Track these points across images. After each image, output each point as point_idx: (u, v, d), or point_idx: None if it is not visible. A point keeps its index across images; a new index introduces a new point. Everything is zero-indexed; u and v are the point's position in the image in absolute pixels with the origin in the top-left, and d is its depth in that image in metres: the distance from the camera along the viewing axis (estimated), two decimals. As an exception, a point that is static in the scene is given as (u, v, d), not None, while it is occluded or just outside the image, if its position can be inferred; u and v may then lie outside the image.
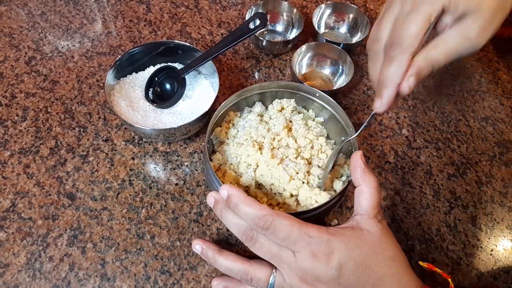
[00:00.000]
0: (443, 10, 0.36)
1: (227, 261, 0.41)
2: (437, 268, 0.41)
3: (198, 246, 0.43)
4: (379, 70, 0.38)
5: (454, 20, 0.36)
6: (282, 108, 0.52)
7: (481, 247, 0.51)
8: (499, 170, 0.57)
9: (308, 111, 0.53)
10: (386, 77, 0.37)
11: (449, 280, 0.39)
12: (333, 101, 0.49)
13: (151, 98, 0.55)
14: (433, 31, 0.38)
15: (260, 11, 0.65)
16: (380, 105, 0.38)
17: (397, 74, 0.37)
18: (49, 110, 0.57)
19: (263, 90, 0.52)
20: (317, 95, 0.50)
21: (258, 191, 0.45)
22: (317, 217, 0.42)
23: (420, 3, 0.36)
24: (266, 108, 0.53)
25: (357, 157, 0.40)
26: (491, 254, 0.50)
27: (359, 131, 0.43)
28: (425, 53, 0.36)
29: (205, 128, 0.56)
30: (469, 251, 0.50)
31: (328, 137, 0.52)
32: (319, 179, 0.45)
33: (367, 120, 0.42)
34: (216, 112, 0.48)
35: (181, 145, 0.55)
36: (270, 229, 0.35)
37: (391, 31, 0.37)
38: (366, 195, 0.39)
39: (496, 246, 0.51)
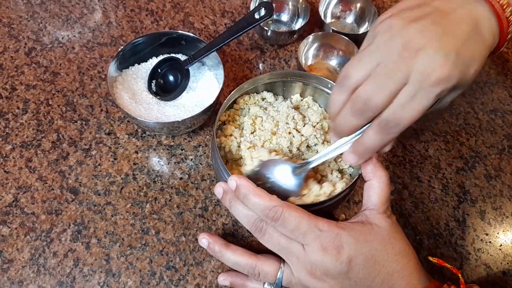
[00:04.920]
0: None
1: (234, 256, 0.40)
2: (446, 263, 0.40)
3: (204, 240, 0.42)
4: (340, 105, 0.36)
5: None
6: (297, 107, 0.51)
7: (490, 242, 0.50)
8: (508, 163, 0.56)
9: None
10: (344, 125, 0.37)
11: (459, 275, 0.38)
12: None
13: (154, 90, 0.54)
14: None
15: (265, 0, 0.63)
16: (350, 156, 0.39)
17: (355, 128, 0.37)
18: (50, 103, 0.56)
19: (274, 80, 0.50)
20: (329, 86, 0.49)
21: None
22: (327, 210, 0.42)
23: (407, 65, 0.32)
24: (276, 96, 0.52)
25: None
26: (500, 249, 0.50)
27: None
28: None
29: (209, 121, 0.55)
30: (478, 246, 0.50)
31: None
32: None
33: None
34: (226, 101, 0.47)
35: (185, 139, 0.54)
36: (279, 221, 0.35)
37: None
38: (376, 190, 0.38)
39: (505, 241, 0.50)
